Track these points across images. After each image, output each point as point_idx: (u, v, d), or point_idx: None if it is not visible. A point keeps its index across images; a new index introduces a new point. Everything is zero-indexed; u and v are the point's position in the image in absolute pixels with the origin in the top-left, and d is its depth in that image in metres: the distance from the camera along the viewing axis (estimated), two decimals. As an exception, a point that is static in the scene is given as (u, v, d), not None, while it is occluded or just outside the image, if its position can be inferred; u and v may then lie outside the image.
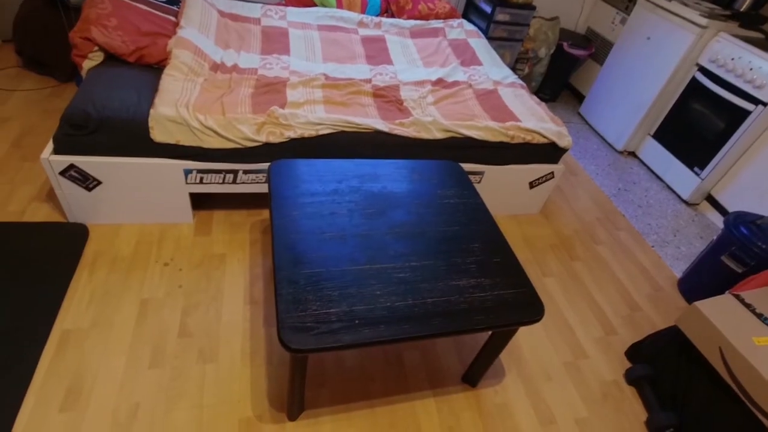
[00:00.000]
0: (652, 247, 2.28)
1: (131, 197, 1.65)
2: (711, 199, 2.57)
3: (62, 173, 1.52)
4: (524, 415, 1.46)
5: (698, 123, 2.53)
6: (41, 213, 1.71)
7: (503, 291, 1.19)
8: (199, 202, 1.88)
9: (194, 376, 1.36)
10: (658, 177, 2.81)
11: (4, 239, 1.57)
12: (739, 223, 1.80)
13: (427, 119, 1.84)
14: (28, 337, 1.34)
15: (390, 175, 1.49)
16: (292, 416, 1.31)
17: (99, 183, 1.58)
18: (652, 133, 2.83)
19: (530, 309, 1.17)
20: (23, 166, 1.89)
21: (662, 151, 2.75)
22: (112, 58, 1.76)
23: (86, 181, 1.56)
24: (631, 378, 1.62)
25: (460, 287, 1.17)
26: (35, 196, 1.77)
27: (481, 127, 1.88)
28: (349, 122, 1.73)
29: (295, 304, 1.04)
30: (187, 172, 1.63)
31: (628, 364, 1.68)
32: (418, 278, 1.17)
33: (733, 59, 2.33)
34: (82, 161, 1.51)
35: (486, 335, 1.55)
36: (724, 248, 1.82)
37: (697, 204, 2.63)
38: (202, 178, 1.67)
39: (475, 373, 1.46)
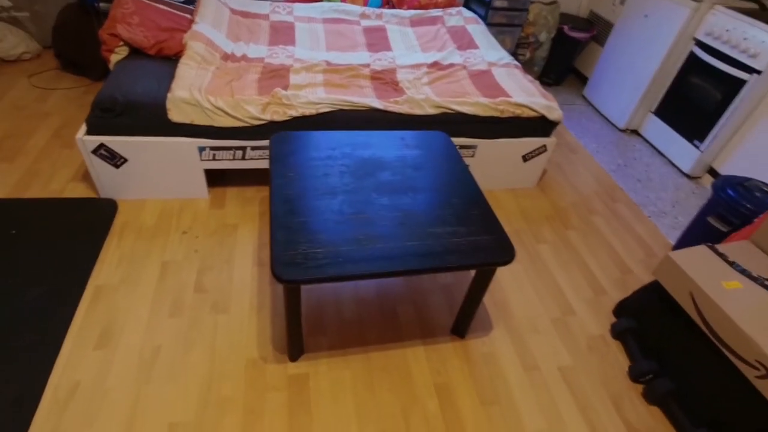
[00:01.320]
0: (649, 217, 2.33)
1: (154, 173, 1.86)
2: (713, 172, 2.59)
3: (94, 152, 1.74)
4: (509, 362, 1.57)
5: (697, 96, 2.56)
6: (78, 190, 1.94)
7: (477, 237, 1.31)
8: (215, 179, 2.07)
9: (208, 324, 1.54)
10: (660, 153, 2.84)
11: (46, 212, 1.80)
12: (726, 185, 1.85)
13: (420, 97, 1.97)
14: (67, 291, 1.55)
15: (380, 144, 1.63)
16: (293, 357, 1.47)
17: (125, 160, 1.78)
18: (653, 109, 2.86)
19: (501, 252, 1.28)
20: (62, 153, 2.13)
21: (663, 127, 2.78)
22: (135, 52, 1.98)
23: (114, 159, 1.77)
24: (616, 331, 1.69)
25: (437, 233, 1.30)
26: (72, 177, 2.00)
27: (472, 103, 2.00)
28: (347, 101, 1.88)
29: (286, 244, 1.19)
30: (201, 149, 1.82)
31: (614, 321, 1.76)
32: (399, 227, 1.30)
33: (728, 30, 2.36)
34: (110, 140, 1.72)
35: (474, 291, 1.67)
36: (712, 210, 1.87)
37: (699, 177, 2.65)
38: (214, 155, 1.86)
39: (463, 323, 1.58)
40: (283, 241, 1.20)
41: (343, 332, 1.58)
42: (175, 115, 1.72)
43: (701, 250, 1.50)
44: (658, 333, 1.57)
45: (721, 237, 1.82)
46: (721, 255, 1.48)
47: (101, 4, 2.57)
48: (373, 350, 1.54)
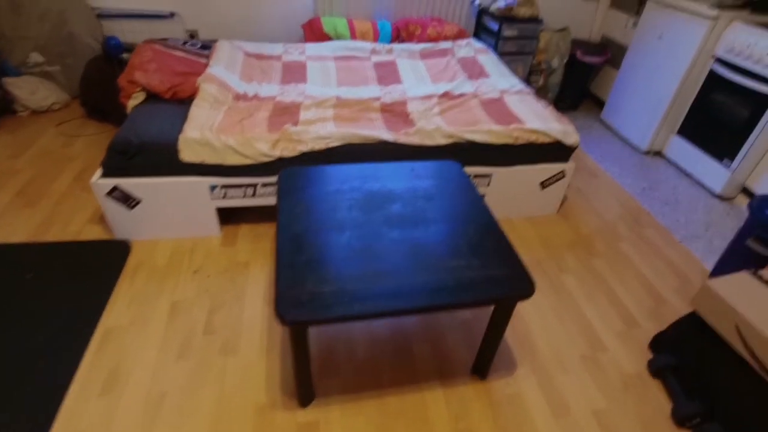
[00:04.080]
0: (681, 242, 2.19)
1: (166, 213, 1.86)
2: (747, 192, 2.44)
3: (108, 194, 1.76)
4: (536, 405, 1.44)
5: (722, 114, 2.46)
6: (94, 232, 1.96)
7: (493, 271, 1.23)
8: (227, 217, 2.06)
9: (216, 367, 1.48)
10: (686, 174, 2.71)
11: (62, 255, 1.82)
12: (763, 205, 1.72)
13: (431, 127, 1.94)
14: (76, 333, 1.53)
15: (390, 175, 1.60)
16: (303, 403, 1.39)
17: (138, 202, 1.80)
18: (676, 130, 2.76)
19: (519, 284, 1.20)
20: (81, 195, 2.18)
21: (688, 147, 2.67)
22: (152, 97, 2.04)
23: (127, 201, 1.78)
24: (654, 368, 1.55)
25: (450, 267, 1.23)
26: (89, 219, 2.03)
27: (485, 131, 1.96)
28: (357, 134, 1.87)
29: (291, 283, 1.14)
30: (213, 187, 1.83)
31: (652, 357, 1.61)
32: (410, 261, 1.24)
33: (748, 46, 2.28)
34: (124, 182, 1.74)
35: (494, 326, 1.57)
36: (750, 232, 1.73)
37: (732, 198, 2.51)
38: (225, 193, 1.86)
39: (484, 362, 1.47)
40: (287, 280, 1.15)
41: (356, 374, 1.49)
42: (187, 155, 1.74)
43: (743, 277, 1.38)
44: (702, 370, 1.43)
45: (763, 261, 1.68)
46: (766, 282, 1.35)
47: (125, 55, 2.69)
48: (388, 394, 1.44)
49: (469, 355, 1.57)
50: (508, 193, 2.12)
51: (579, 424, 1.40)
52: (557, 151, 2.07)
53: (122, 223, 1.86)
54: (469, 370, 1.53)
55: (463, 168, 1.69)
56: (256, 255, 1.92)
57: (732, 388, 1.34)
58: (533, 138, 2.00)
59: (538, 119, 2.06)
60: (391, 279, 1.18)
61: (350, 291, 1.14)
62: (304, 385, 1.35)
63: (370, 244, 1.29)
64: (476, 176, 2.03)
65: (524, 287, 1.20)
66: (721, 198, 2.50)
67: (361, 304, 1.10)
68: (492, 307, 1.35)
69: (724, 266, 1.88)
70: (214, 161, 1.77)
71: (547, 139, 2.00)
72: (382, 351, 1.57)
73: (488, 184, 2.07)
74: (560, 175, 2.13)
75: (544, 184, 2.15)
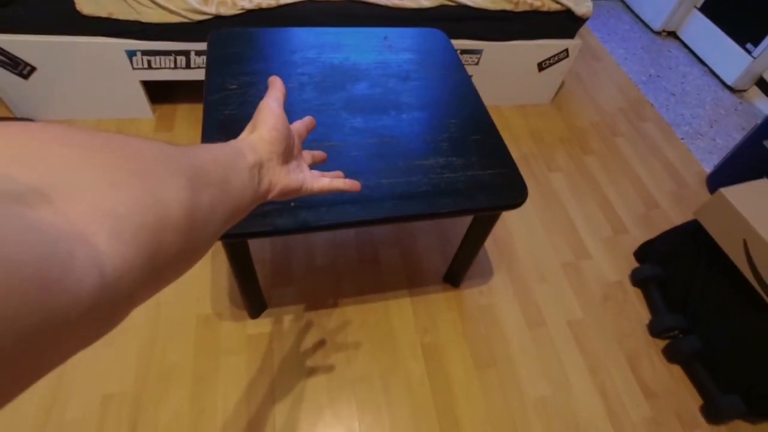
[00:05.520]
0: (682, 139, 1.98)
1: (75, 86, 1.48)
2: (763, 85, 2.18)
3: (-11, 57, 1.35)
4: (510, 316, 1.33)
5: (758, -13, 2.07)
6: (-13, 109, 1.58)
7: (478, 172, 0.99)
8: (160, 95, 1.69)
9: (151, 274, 1.28)
10: (700, 60, 2.39)
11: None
12: (792, 100, 1.48)
13: (412, -18, 1.52)
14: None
15: (356, 45, 1.24)
16: (253, 314, 1.23)
17: (33, 69, 1.40)
18: (698, 5, 2.36)
19: (508, 192, 0.97)
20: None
21: (709, 27, 2.30)
22: None
23: (18, 66, 1.38)
24: (637, 279, 1.44)
25: (425, 167, 0.97)
26: (-19, 91, 1.62)
27: (479, -8, 1.55)
28: (316, -12, 1.44)
29: (219, 185, 0.88)
30: (131, 54, 1.43)
31: (636, 265, 1.50)
32: (375, 158, 0.98)
33: None
34: (5, 40, 1.32)
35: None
36: (769, 132, 1.52)
37: (745, 90, 2.25)
38: (149, 62, 1.46)
39: (457, 271, 1.32)
40: (214, 180, 0.88)
41: (314, 282, 1.32)
42: (85, 4, 1.30)
43: (761, 186, 1.19)
44: (688, 284, 1.32)
45: (776, 166, 1.49)
46: (787, 192, 1.17)
47: None
48: (349, 303, 1.29)
49: (441, 261, 1.41)
50: (499, 74, 1.79)
51: (552, 335, 1.31)
52: (562, 24, 1.70)
53: (19, 97, 1.48)
54: (441, 277, 1.38)
55: (449, 39, 1.33)
56: (197, 141, 1.60)
57: (718, 304, 1.24)
58: (537, 4, 1.61)
59: (546, -21, 1.65)
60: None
61: (296, 196, 0.88)
62: (252, 296, 1.17)
63: (326, 134, 1.00)
64: (463, 52, 1.67)
65: (516, 194, 0.97)
66: (733, 90, 2.24)
67: (310, 213, 0.86)
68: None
69: (726, 170, 1.70)
70: (126, 16, 1.35)
71: (554, 6, 1.62)
72: (345, 257, 1.39)
73: (477, 63, 1.73)
74: (563, 55, 1.79)
75: (541, 66, 1.81)
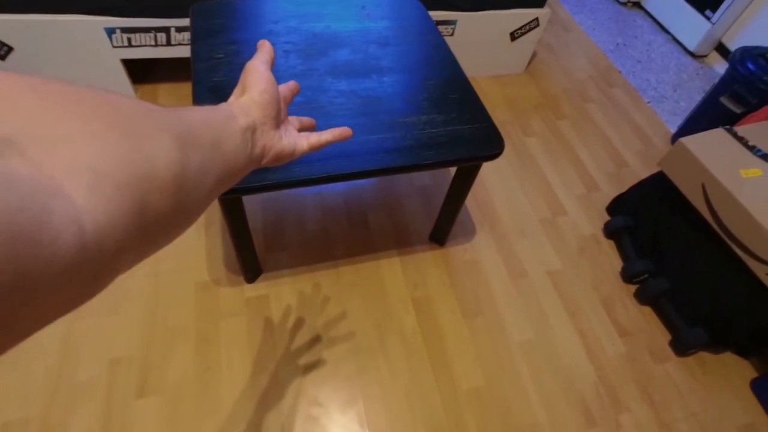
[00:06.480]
0: (648, 103, 2.08)
1: (54, 67, 1.48)
2: (722, 49, 2.30)
3: (-35, 38, 1.34)
4: (494, 269, 1.42)
5: (715, -45, 2.17)
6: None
7: (458, 126, 1.05)
8: (141, 74, 1.70)
9: (146, 246, 1.31)
10: (664, 29, 2.50)
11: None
12: (746, 57, 1.59)
13: (387, -46, 1.55)
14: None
15: (335, 14, 1.28)
16: (250, 278, 1.28)
17: (11, 49, 1.39)
18: (660, -25, 2.46)
19: (487, 143, 1.04)
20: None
21: (671, -4, 2.41)
22: None
23: (-5, 47, 1.38)
24: (610, 230, 1.54)
25: (408, 123, 1.03)
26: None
27: (452, -38, 1.60)
28: (293, -39, 1.46)
29: (214, 145, 0.92)
30: (110, 31, 1.43)
31: (608, 219, 1.60)
32: (361, 117, 1.03)
33: None
34: (-19, 20, 1.32)
35: (454, 193, 1.46)
36: (726, 88, 1.63)
37: (705, 56, 2.37)
38: (129, 39, 1.47)
39: (442, 229, 1.39)
40: (209, 141, 0.92)
41: (306, 246, 1.38)
42: (63, -18, 1.30)
43: (717, 134, 1.29)
44: (655, 231, 1.42)
45: (733, 120, 1.60)
46: (740, 139, 1.27)
47: None
48: (341, 264, 1.36)
49: (427, 223, 1.48)
50: (473, 44, 1.85)
51: (533, 285, 1.40)
52: (533, -7, 1.77)
53: (-2, 79, 1.47)
54: (427, 237, 1.45)
55: (424, 7, 1.38)
56: (181, 120, 1.62)
57: (681, 247, 1.35)
58: (508, -26, 1.67)
59: (515, -51, 1.71)
60: (338, 138, 0.97)
61: (289, 153, 0.93)
62: (248, 260, 1.22)
63: (313, 97, 1.05)
64: (438, 23, 1.72)
65: (493, 146, 1.04)
66: (694, 56, 2.36)
67: (302, 168, 0.92)
68: (452, 171, 1.21)
69: (689, 128, 1.81)
70: (105, -7, 1.35)
71: (524, -24, 1.68)
72: (335, 221, 1.44)
73: (452, 33, 1.78)
74: (533, 24, 1.86)
75: (514, 35, 1.88)
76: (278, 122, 0.41)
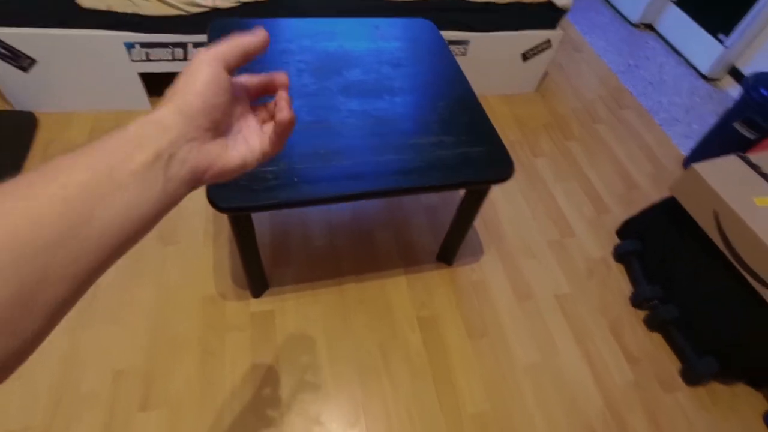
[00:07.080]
0: (660, 125, 2.07)
1: (75, 79, 1.51)
2: (735, 73, 2.29)
3: (-10, 50, 1.38)
4: (501, 290, 1.40)
5: (729, -21, 2.17)
6: (-14, 102, 1.60)
7: (468, 148, 1.05)
8: (157, 86, 1.73)
9: (154, 258, 1.32)
10: (676, 51, 2.50)
11: (-51, 129, 1.48)
12: (759, 83, 1.58)
13: (401, -24, 1.58)
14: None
15: (349, 33, 1.30)
16: (256, 293, 1.28)
17: (33, 61, 1.43)
18: (674, -2, 2.47)
19: (497, 166, 1.04)
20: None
21: (684, 19, 2.41)
22: None
23: (18, 59, 1.41)
24: (619, 254, 1.53)
25: (418, 145, 1.04)
26: (-21, 86, 1.65)
27: (465, -16, 1.63)
28: (309, -19, 1.50)
29: (225, 163, 0.93)
30: (129, 46, 1.47)
31: (618, 242, 1.58)
32: (371, 137, 1.04)
33: None
34: (6, 33, 1.35)
35: (463, 212, 1.45)
36: (740, 114, 1.61)
37: (718, 79, 2.36)
38: (148, 54, 1.51)
39: (450, 249, 1.38)
40: (220, 158, 0.94)
41: (313, 262, 1.38)
42: (86, -2, 1.34)
43: (730, 162, 1.28)
44: (665, 256, 1.40)
45: (746, 145, 1.59)
46: (754, 166, 1.26)
47: None
48: (347, 281, 1.35)
49: (434, 242, 1.47)
50: (485, 64, 1.86)
51: (540, 308, 1.38)
52: (544, 15, 1.78)
53: (19, 90, 1.51)
54: (434, 256, 1.44)
55: (437, 28, 1.40)
56: (194, 132, 1.64)
57: (692, 273, 1.33)
58: (521, -4, 1.68)
59: (528, -28, 1.73)
60: (348, 157, 0.98)
61: (299, 171, 0.94)
62: (255, 275, 1.23)
63: (324, 116, 1.06)
64: (451, 43, 1.74)
65: (502, 169, 1.04)
66: (707, 79, 2.35)
67: (311, 187, 0.92)
68: (462, 192, 1.21)
69: (701, 152, 1.80)
70: (125, 9, 1.39)
71: (536, -2, 1.70)
72: (342, 237, 1.45)
73: (464, 53, 1.80)
74: (546, 45, 1.87)
75: (526, 56, 1.89)
76: (222, 130, 0.32)
